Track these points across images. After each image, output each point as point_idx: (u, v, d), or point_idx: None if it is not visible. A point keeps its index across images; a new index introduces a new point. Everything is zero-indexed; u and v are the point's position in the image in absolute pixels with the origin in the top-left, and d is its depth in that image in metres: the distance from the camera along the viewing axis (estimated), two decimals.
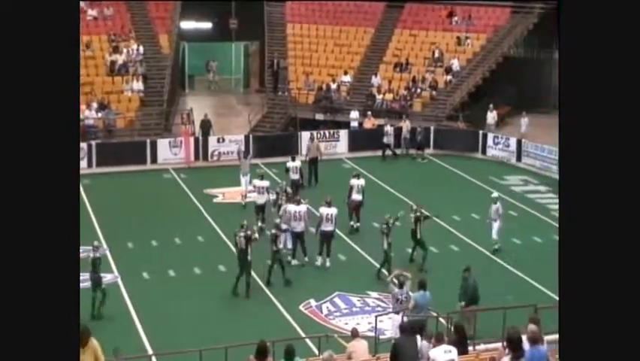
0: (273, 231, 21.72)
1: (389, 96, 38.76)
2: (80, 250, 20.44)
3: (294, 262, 22.88)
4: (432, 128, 35.91)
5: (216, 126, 36.04)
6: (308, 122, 37.90)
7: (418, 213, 22.67)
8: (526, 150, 33.67)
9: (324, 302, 20.89)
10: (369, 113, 36.83)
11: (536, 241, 25.32)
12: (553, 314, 10.06)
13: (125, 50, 38.58)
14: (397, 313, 17.52)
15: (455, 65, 39.92)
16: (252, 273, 21.09)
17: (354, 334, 15.31)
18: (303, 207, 22.93)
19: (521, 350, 10.78)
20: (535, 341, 11.18)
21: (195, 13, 46.26)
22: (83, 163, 31.05)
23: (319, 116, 38.99)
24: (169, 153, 33.21)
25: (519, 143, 34.04)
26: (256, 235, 21.01)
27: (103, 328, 17.32)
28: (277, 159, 31.94)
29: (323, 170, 30.84)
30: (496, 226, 23.83)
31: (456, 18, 42.66)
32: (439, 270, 21.91)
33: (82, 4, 39.47)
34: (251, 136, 34.68)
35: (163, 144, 33.37)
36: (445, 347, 12.74)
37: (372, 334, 17.80)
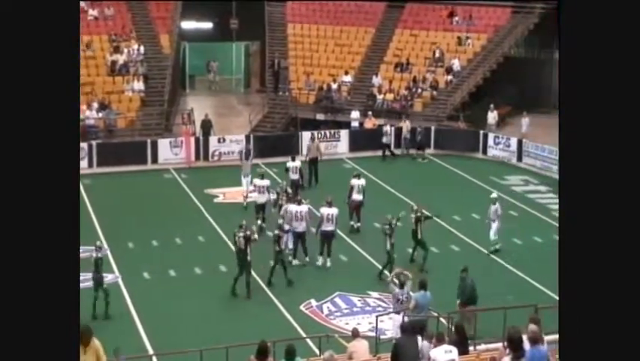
0: (276, 232, 21.69)
1: (390, 96, 38.76)
2: (84, 251, 20.54)
3: (295, 262, 22.88)
4: (432, 128, 35.89)
5: (217, 126, 36.04)
6: (309, 122, 37.90)
7: (419, 214, 22.67)
8: (527, 150, 33.66)
9: (325, 302, 20.89)
10: (370, 113, 36.83)
11: (537, 241, 25.32)
12: (554, 314, 10.06)
13: (125, 50, 38.59)
14: (398, 313, 17.52)
15: (456, 65, 39.91)
16: (252, 273, 21.10)
17: (355, 334, 15.31)
18: (304, 208, 22.93)
19: (522, 350, 10.79)
20: (535, 341, 11.17)
21: (196, 13, 46.28)
22: (84, 163, 31.06)
23: (320, 116, 38.99)
24: (170, 153, 33.22)
25: (520, 143, 34.02)
26: (255, 236, 20.94)
27: (103, 328, 17.31)
28: (278, 159, 31.92)
29: (323, 170, 30.83)
30: (494, 226, 23.82)
31: (457, 18, 42.66)
32: (439, 270, 21.90)
33: (82, 4, 39.48)
34: (252, 136, 34.67)
35: (164, 144, 33.38)
36: (445, 347, 12.75)
37: (372, 334, 17.79)
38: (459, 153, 35.05)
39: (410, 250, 23.01)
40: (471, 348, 15.39)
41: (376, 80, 39.80)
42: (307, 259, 22.96)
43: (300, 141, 34.02)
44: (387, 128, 34.99)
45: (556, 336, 10.37)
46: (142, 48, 38.93)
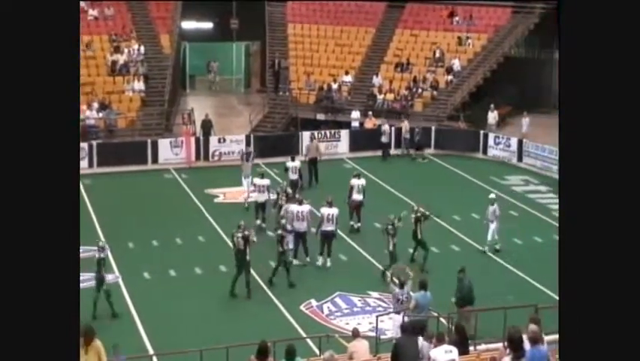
0: (279, 232, 21.63)
1: (390, 96, 38.76)
2: (87, 250, 20.56)
3: (296, 262, 22.85)
4: (433, 128, 35.90)
5: (217, 126, 36.04)
6: (309, 123, 37.90)
7: (419, 214, 22.67)
8: (527, 150, 33.66)
9: (325, 302, 20.88)
10: (370, 113, 36.81)
11: (537, 241, 25.32)
12: (554, 314, 10.06)
13: (126, 50, 38.59)
14: (398, 313, 17.52)
15: (456, 65, 39.92)
16: (252, 272, 21.08)
17: (355, 334, 15.32)
18: (305, 207, 22.93)
19: (522, 350, 10.79)
20: (535, 341, 11.17)
21: (196, 13, 46.28)
22: (84, 163, 31.05)
23: (320, 116, 38.98)
24: (170, 153, 33.21)
25: (520, 143, 34.02)
26: (254, 238, 20.92)
27: (104, 328, 17.30)
28: (278, 159, 31.88)
29: (323, 170, 30.83)
30: (492, 227, 23.80)
31: (457, 18, 42.66)
32: (439, 270, 21.89)
33: (82, 4, 39.48)
34: (252, 136, 34.67)
35: (164, 144, 33.37)
36: (445, 347, 12.74)
37: (373, 334, 17.79)
38: (459, 153, 35.04)
39: (411, 250, 23.01)
40: (471, 348, 15.39)
41: (377, 80, 39.80)
42: (308, 259, 22.96)
43: (300, 141, 34.03)
44: (385, 127, 34.99)
45: (556, 336, 10.38)
46: (142, 48, 38.93)
